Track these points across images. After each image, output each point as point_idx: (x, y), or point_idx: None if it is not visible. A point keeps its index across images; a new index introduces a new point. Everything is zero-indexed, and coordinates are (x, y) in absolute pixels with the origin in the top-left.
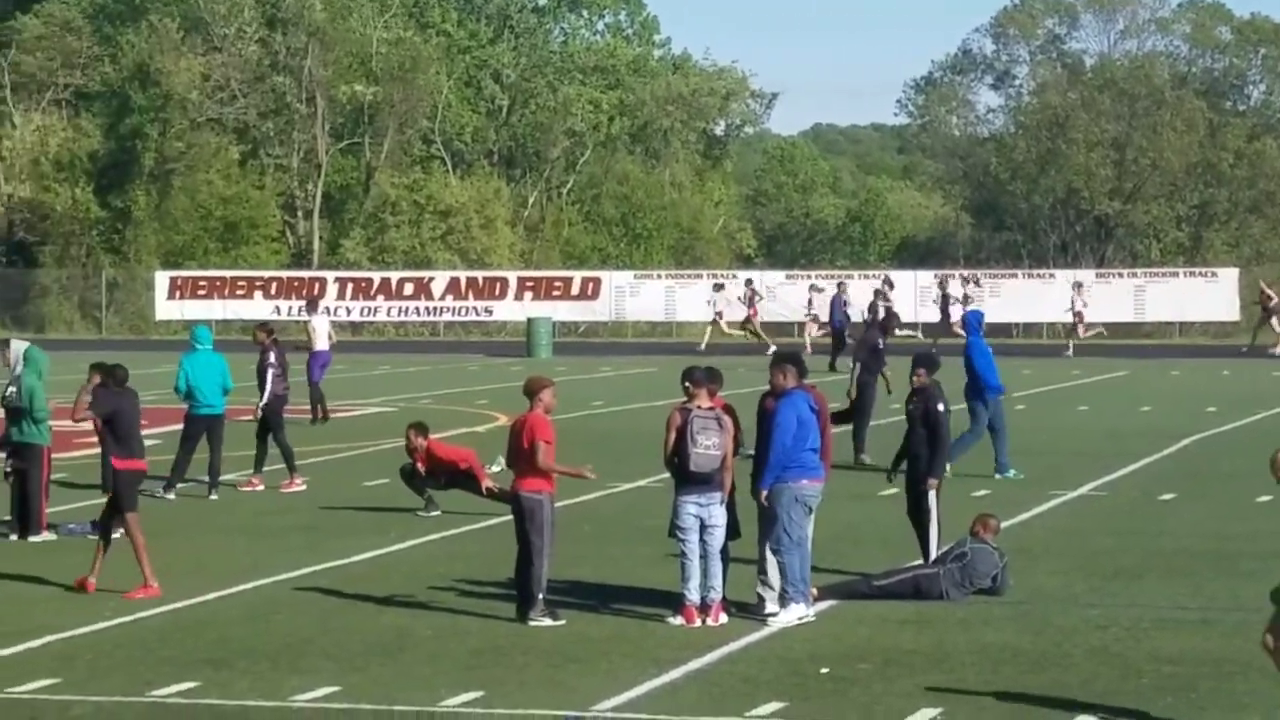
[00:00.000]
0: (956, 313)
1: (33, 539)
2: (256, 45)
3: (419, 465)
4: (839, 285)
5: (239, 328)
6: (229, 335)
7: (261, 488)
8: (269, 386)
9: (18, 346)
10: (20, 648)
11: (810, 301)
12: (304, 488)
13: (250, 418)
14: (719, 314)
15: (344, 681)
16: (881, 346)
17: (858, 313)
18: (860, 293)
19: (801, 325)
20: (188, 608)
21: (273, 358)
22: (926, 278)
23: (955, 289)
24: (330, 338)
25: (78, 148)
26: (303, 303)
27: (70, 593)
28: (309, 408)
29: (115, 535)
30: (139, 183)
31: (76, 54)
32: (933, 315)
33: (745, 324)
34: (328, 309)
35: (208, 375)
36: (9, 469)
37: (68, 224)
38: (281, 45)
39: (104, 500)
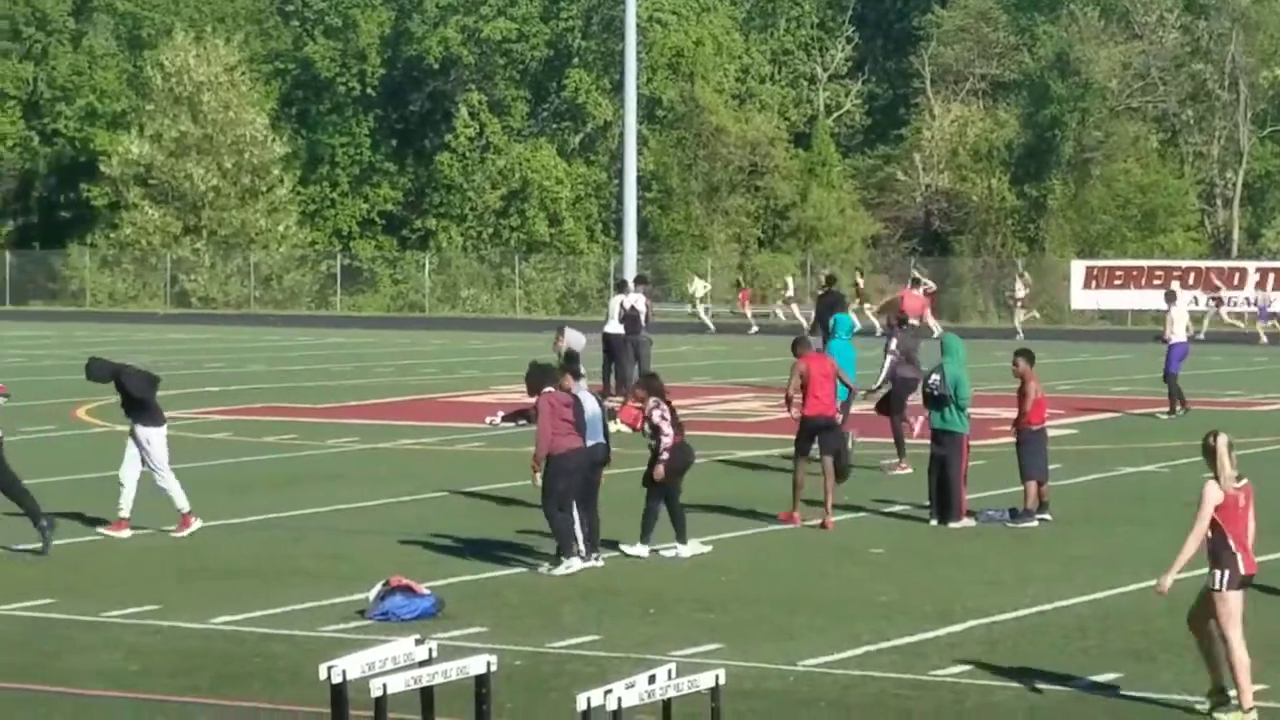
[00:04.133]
0: None
1: (952, 525)
2: (1177, 32)
3: None
4: None
5: (1151, 317)
6: (1142, 325)
7: (909, 470)
8: (884, 370)
9: (573, 336)
10: (944, 630)
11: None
12: (909, 470)
13: (864, 396)
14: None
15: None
16: None
17: None
18: None
19: None
20: (1110, 597)
21: (893, 344)
22: None
23: None
24: (1188, 329)
25: (995, 138)
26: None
27: (990, 579)
28: (1166, 399)
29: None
30: (1056, 172)
31: (993, 45)
32: None
33: None
34: (1195, 299)
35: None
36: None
37: (983, 213)
38: (1204, 31)
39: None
